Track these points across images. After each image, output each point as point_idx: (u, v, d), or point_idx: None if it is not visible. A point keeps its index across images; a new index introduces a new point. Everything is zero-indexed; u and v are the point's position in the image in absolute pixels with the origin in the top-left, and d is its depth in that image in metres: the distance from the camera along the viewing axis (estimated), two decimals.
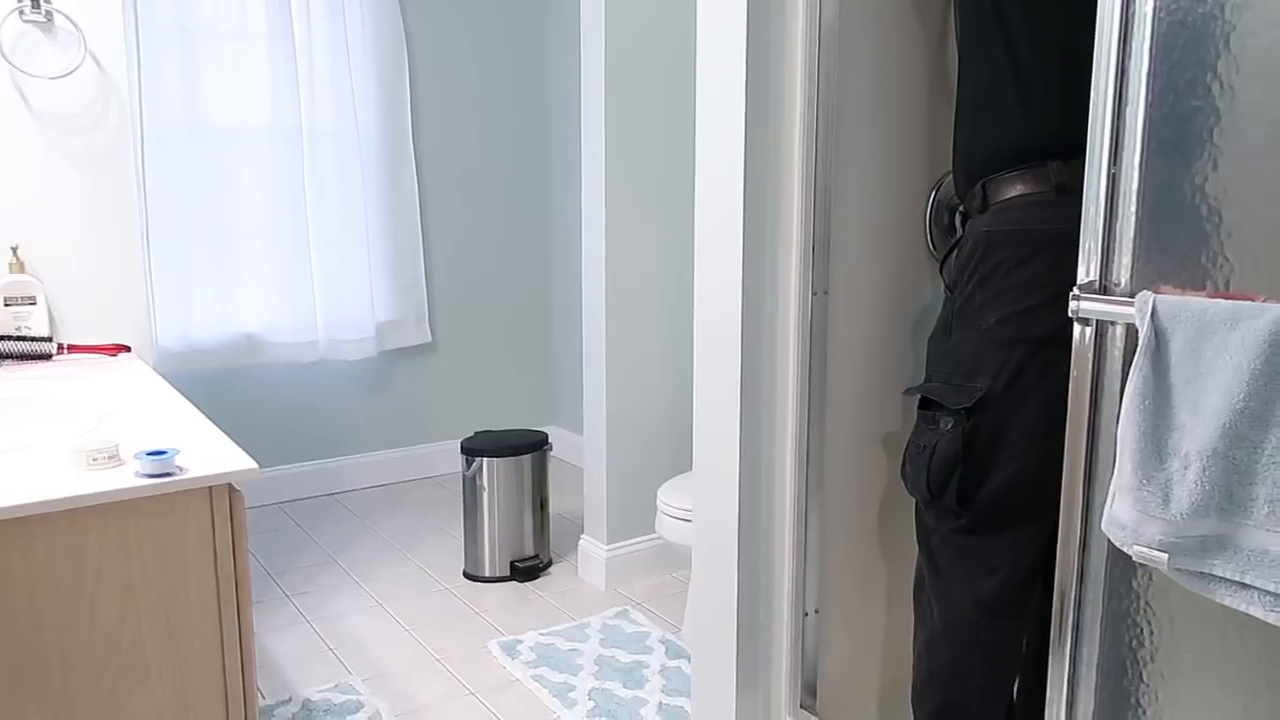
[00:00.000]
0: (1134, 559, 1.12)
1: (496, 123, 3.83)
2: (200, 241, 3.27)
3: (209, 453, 1.25)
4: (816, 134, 1.67)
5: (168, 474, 1.15)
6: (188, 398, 3.27)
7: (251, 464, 1.20)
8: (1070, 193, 1.41)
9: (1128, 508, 1.11)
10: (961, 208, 1.64)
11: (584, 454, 2.84)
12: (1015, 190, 1.46)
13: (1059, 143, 1.43)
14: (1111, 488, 1.14)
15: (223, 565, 1.20)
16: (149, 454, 1.15)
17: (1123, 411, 1.11)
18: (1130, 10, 1.15)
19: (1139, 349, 1.10)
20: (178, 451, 1.18)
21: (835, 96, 1.68)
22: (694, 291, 1.78)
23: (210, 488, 1.17)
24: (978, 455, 1.46)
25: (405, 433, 3.80)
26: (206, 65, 3.22)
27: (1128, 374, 1.12)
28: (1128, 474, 1.10)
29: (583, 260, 2.75)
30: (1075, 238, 1.30)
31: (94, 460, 1.16)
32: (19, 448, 1.29)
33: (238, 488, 1.20)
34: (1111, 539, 1.15)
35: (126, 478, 1.14)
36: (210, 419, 3.40)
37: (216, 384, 3.39)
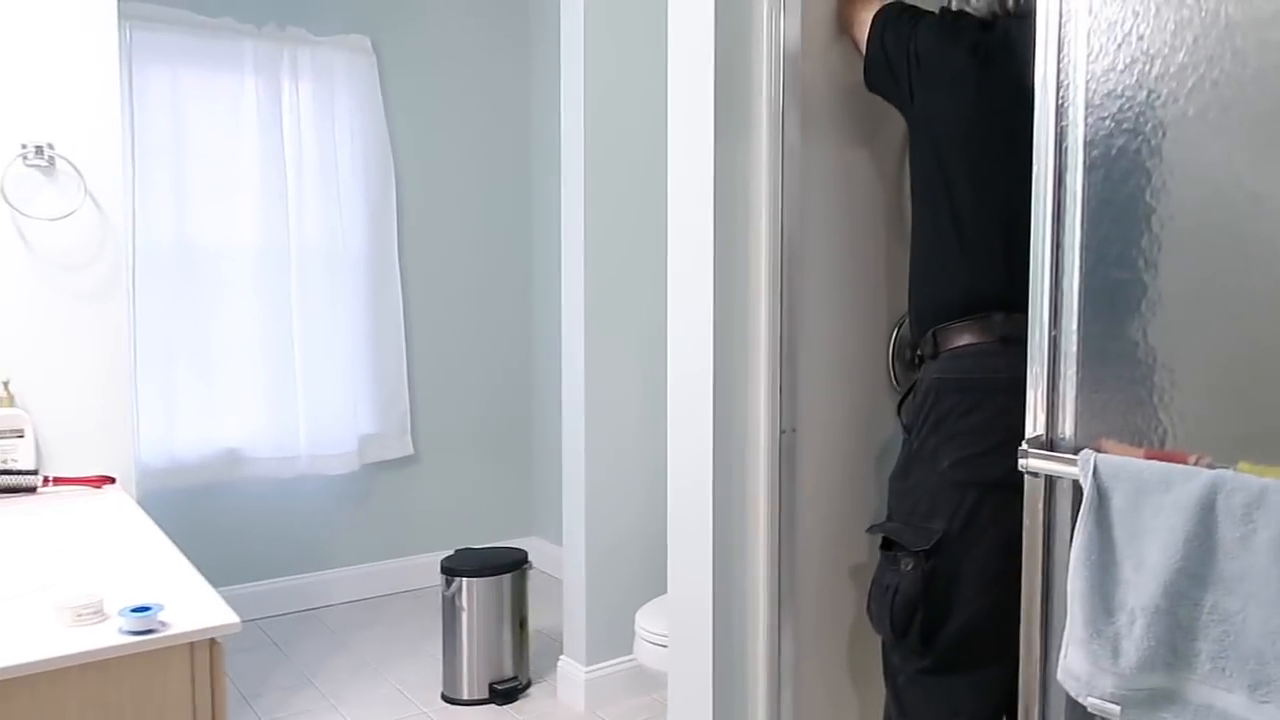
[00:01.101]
0: (1089, 709, 1.16)
1: (480, 240, 3.95)
2: (186, 357, 3.32)
3: (191, 604, 1.28)
4: (781, 276, 1.76)
5: (151, 631, 1.17)
6: (168, 514, 3.27)
7: (234, 618, 1.23)
8: (1015, 342, 1.50)
9: (1080, 659, 1.16)
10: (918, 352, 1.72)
11: (563, 573, 2.86)
12: (963, 339, 1.55)
13: (1003, 296, 1.52)
14: (1065, 638, 1.19)
15: (201, 719, 1.22)
16: (133, 610, 1.18)
17: (1071, 565, 1.17)
18: (1062, 190, 1.25)
19: (1083, 506, 1.16)
20: (161, 607, 1.21)
21: (799, 240, 1.78)
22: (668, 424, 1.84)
23: (192, 643, 1.20)
24: (938, 596, 1.50)
25: (385, 545, 3.80)
26: (198, 185, 3.32)
27: (1075, 527, 1.18)
28: (1079, 626, 1.15)
29: (562, 380, 2.82)
30: (1018, 387, 1.38)
31: (79, 617, 1.19)
32: (2, 597, 1.31)
33: (219, 641, 1.22)
34: (1067, 689, 1.19)
35: (110, 635, 1.17)
36: (190, 534, 3.40)
37: (197, 499, 3.39)
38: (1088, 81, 1.22)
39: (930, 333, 1.59)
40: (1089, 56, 1.21)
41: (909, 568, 1.51)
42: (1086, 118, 1.23)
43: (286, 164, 3.46)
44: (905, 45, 1.62)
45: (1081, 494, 1.17)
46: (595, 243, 2.72)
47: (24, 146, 1.97)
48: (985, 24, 1.63)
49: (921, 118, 1.62)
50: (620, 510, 2.80)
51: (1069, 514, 1.25)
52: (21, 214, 1.98)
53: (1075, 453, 1.20)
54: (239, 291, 3.41)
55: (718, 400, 1.74)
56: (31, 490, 1.91)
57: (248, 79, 3.39)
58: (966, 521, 1.50)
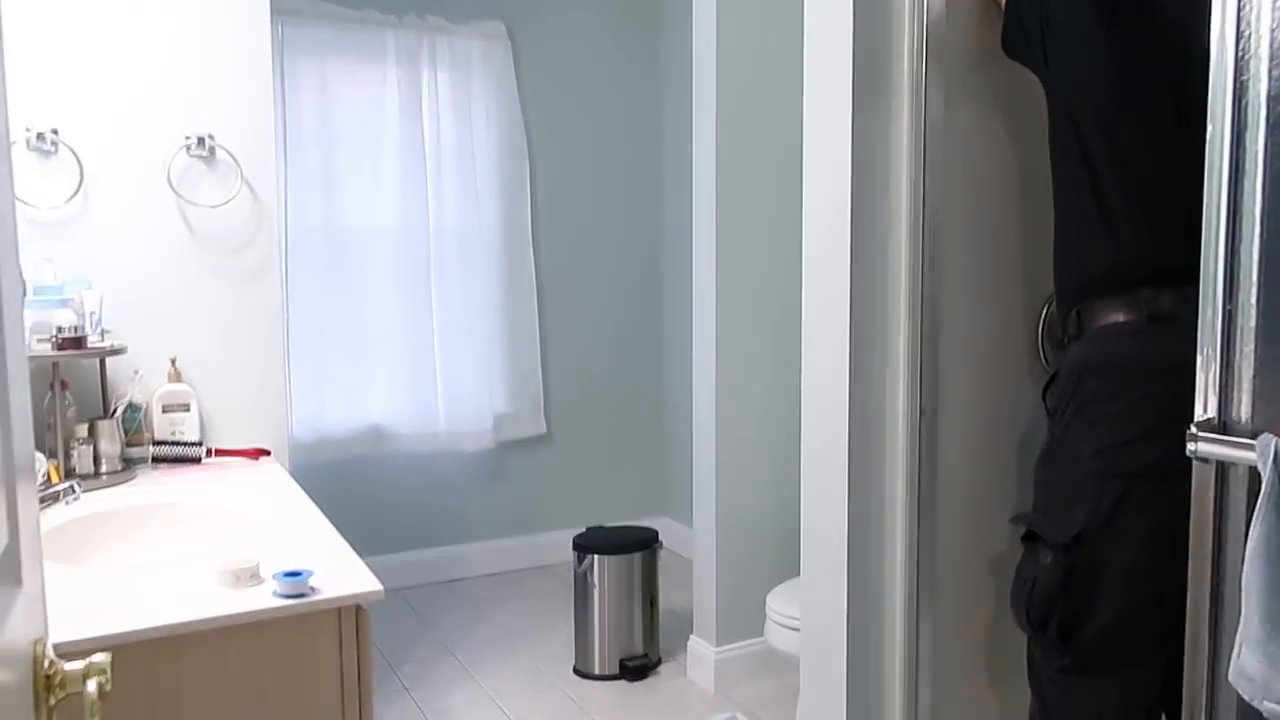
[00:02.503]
0: (1265, 715, 1.07)
1: (612, 222, 3.97)
2: (334, 337, 3.48)
3: (339, 571, 1.33)
4: (922, 250, 1.69)
5: (302, 595, 1.23)
6: (316, 487, 3.44)
7: (377, 586, 1.28)
8: (1164, 320, 1.39)
9: (1256, 660, 1.07)
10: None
11: (694, 553, 2.86)
12: (1106, 318, 1.45)
13: (1148, 269, 1.41)
14: (1238, 637, 1.10)
15: (348, 680, 1.27)
16: (286, 575, 1.24)
17: (1247, 559, 1.07)
18: (1241, 148, 1.14)
19: (1262, 494, 1.07)
20: (312, 573, 1.26)
21: (940, 213, 1.70)
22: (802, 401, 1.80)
23: (339, 609, 1.25)
24: (1078, 592, 1.41)
25: (520, 522, 3.89)
26: (344, 172, 3.47)
27: (1252, 517, 1.09)
28: (1255, 625, 1.06)
29: (693, 360, 2.81)
30: (1166, 368, 1.28)
31: (237, 579, 1.26)
32: (171, 560, 1.40)
33: (365, 608, 1.27)
34: (1239, 691, 1.10)
35: (266, 598, 1.23)
36: (336, 506, 3.56)
37: (343, 473, 3.55)
38: (1273, 30, 1.11)
39: (1074, 311, 1.50)
40: (1276, 2, 1.10)
41: (1048, 560, 1.43)
42: (1271, 71, 1.12)
43: (426, 150, 3.57)
44: (1038, 6, 1.52)
45: (1259, 482, 1.07)
46: (727, 222, 2.70)
47: (187, 138, 2.10)
48: None
49: (1056, 83, 1.53)
50: (750, 490, 2.77)
51: (1244, 504, 1.15)
52: (187, 201, 2.10)
53: (1253, 437, 1.10)
54: (382, 274, 3.54)
55: (854, 379, 1.68)
56: (196, 461, 2.04)
57: (389, 69, 3.51)
58: (1110, 514, 1.40)
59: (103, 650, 1.10)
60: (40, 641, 0.71)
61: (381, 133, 3.52)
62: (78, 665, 0.71)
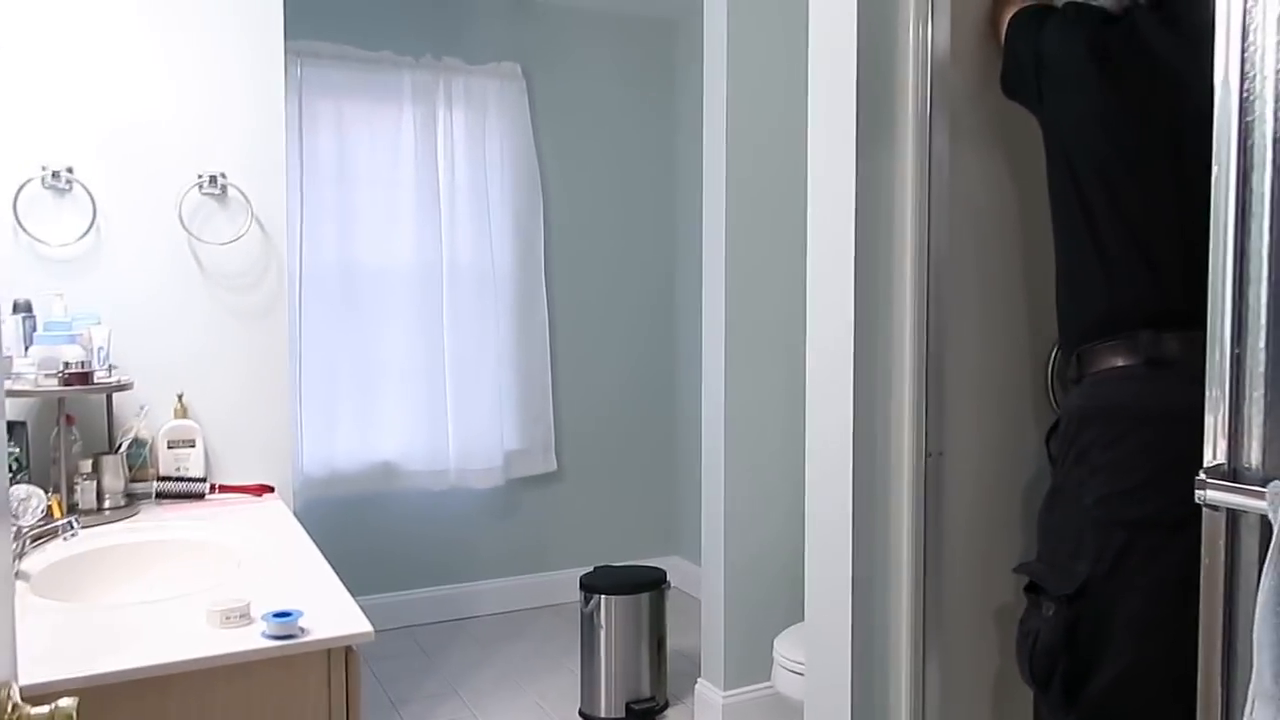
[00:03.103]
0: None
1: (625, 262, 3.98)
2: (347, 373, 3.49)
3: (331, 611, 1.32)
4: (927, 290, 1.68)
5: (292, 636, 1.21)
6: (326, 523, 3.44)
7: (368, 627, 1.26)
8: (1162, 365, 1.36)
9: (1269, 717, 1.02)
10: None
11: (702, 595, 2.82)
12: (1106, 362, 1.42)
13: (1148, 312, 1.39)
14: (1251, 692, 1.06)
15: None
16: (275, 615, 1.22)
17: (1258, 612, 1.04)
18: (1247, 189, 1.12)
19: (1273, 544, 1.03)
20: (302, 613, 1.25)
21: (945, 253, 1.69)
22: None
23: (329, 650, 1.23)
24: (1083, 646, 1.37)
25: (529, 560, 3.86)
26: (360, 210, 3.50)
27: (1263, 569, 1.05)
28: (1267, 680, 1.02)
29: (702, 400, 2.79)
30: (1167, 414, 1.25)
31: (227, 619, 1.24)
32: (166, 598, 1.39)
33: (355, 649, 1.25)
34: None
35: (254, 638, 1.21)
36: (345, 542, 3.55)
37: (353, 509, 3.55)
38: (1278, 71, 1.10)
39: (1075, 354, 1.47)
40: None
41: (1051, 613, 1.39)
42: (1277, 112, 1.10)
43: (440, 189, 3.60)
44: (1032, 47, 1.52)
45: (1270, 531, 1.04)
46: (736, 262, 2.69)
47: (200, 176, 2.12)
48: (1110, 17, 1.50)
49: (1051, 123, 1.52)
50: (760, 532, 2.74)
51: (1255, 553, 1.11)
52: (197, 239, 2.12)
53: (1263, 484, 1.07)
54: (395, 311, 3.56)
55: (858, 419, 1.66)
56: (200, 496, 2.04)
57: (406, 108, 3.55)
58: (1114, 564, 1.36)
59: (87, 689, 1.08)
60: (5, 685, 0.70)
61: (397, 171, 3.56)
62: (43, 710, 0.70)
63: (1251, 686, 1.05)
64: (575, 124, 3.88)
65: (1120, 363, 1.40)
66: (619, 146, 3.95)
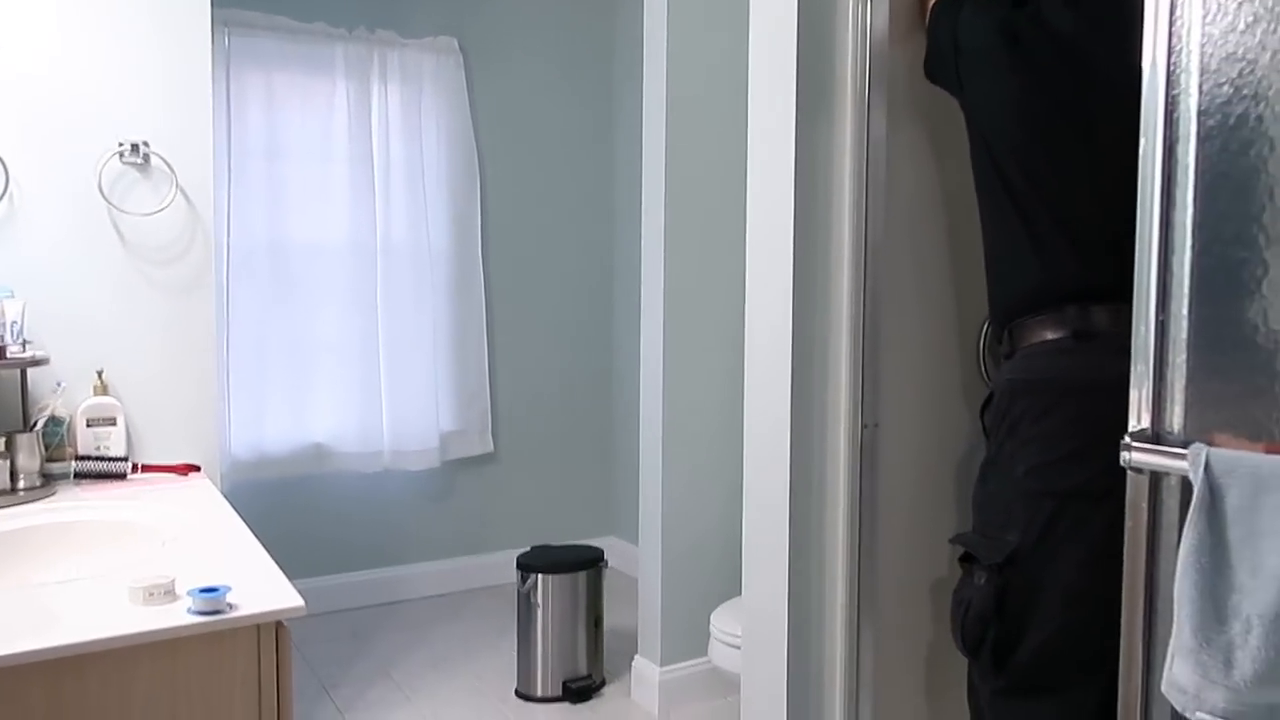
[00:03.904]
0: None
1: (563, 241, 3.95)
2: (277, 353, 3.40)
3: (261, 587, 1.28)
4: (865, 266, 1.69)
5: (219, 612, 1.18)
6: (256, 506, 3.35)
7: (299, 602, 1.23)
8: (1089, 338, 1.40)
9: (1188, 671, 1.06)
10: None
11: (639, 573, 2.82)
12: (1036, 336, 1.45)
13: (1073, 287, 1.42)
14: (1171, 647, 1.09)
15: (266, 701, 1.22)
16: (201, 591, 1.18)
17: (1179, 568, 1.07)
18: (1173, 162, 1.15)
19: (1193, 504, 1.07)
20: (229, 589, 1.21)
21: (882, 229, 1.71)
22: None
23: (258, 626, 1.20)
24: (1012, 613, 1.41)
25: (465, 542, 3.82)
26: (291, 185, 3.41)
27: (1184, 527, 1.09)
28: (1186, 635, 1.06)
29: (640, 379, 2.78)
30: (1094, 386, 1.28)
31: (150, 595, 1.20)
32: (84, 577, 1.34)
33: (286, 625, 1.22)
34: (1172, 702, 1.09)
35: (179, 615, 1.17)
36: (276, 526, 3.47)
37: (284, 492, 3.47)
38: (1203, 45, 1.13)
39: (1006, 329, 1.50)
40: (1205, 18, 1.12)
41: (982, 581, 1.42)
42: (1201, 84, 1.13)
43: (375, 164, 3.53)
44: (950, 32, 1.55)
45: (1191, 492, 1.08)
46: (675, 242, 2.69)
47: (120, 144, 2.04)
48: (1020, 1, 1.53)
49: (970, 108, 1.55)
50: (697, 510, 2.75)
51: (1176, 514, 1.15)
52: (117, 209, 2.04)
53: (1184, 447, 1.11)
54: (328, 289, 3.48)
55: (796, 391, 1.67)
56: (122, 476, 1.96)
57: (339, 81, 3.46)
58: (1043, 533, 1.40)
59: (1, 671, 1.04)
60: None
61: (330, 147, 3.47)
62: None
63: (1172, 642, 1.09)
64: (514, 101, 3.83)
65: (1049, 336, 1.44)
66: (558, 125, 3.91)
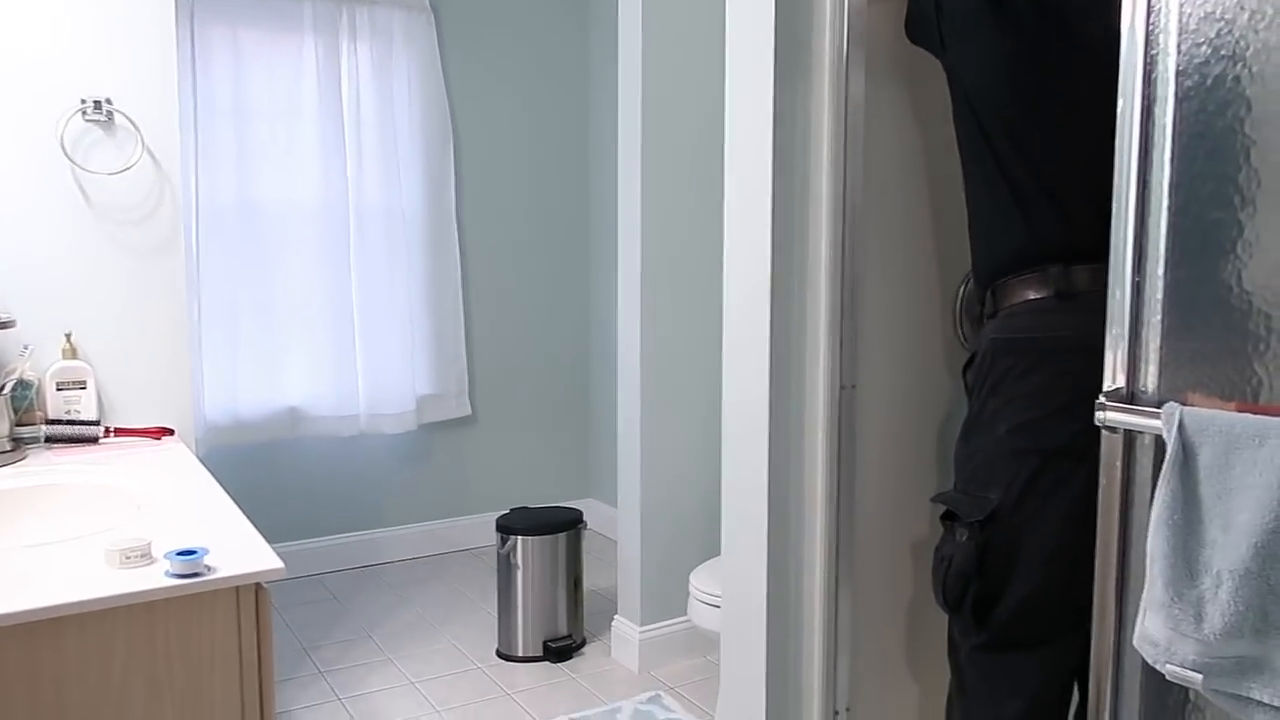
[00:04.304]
0: (1168, 678, 1.09)
1: (538, 199, 3.92)
2: (249, 315, 3.36)
3: (239, 550, 1.27)
4: (843, 227, 1.69)
5: (196, 574, 1.17)
6: (232, 470, 3.34)
7: (278, 564, 1.22)
8: (1071, 297, 1.41)
9: (1160, 625, 1.08)
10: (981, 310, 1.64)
11: (618, 534, 2.84)
12: (1019, 296, 1.46)
13: (1057, 248, 1.43)
14: (1143, 602, 1.12)
15: (247, 663, 1.21)
16: (179, 554, 1.17)
17: (1151, 525, 1.09)
18: (1150, 123, 1.15)
19: (1166, 462, 1.08)
20: (207, 551, 1.20)
21: (860, 190, 1.70)
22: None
23: (237, 588, 1.19)
24: (993, 570, 1.43)
25: (443, 505, 3.82)
26: (260, 145, 3.34)
27: (1157, 484, 1.10)
28: (1158, 590, 1.08)
29: (618, 341, 2.78)
30: (1078, 345, 1.29)
31: (126, 559, 1.19)
32: (57, 540, 1.32)
33: (265, 586, 1.22)
34: (1144, 656, 1.12)
35: (156, 578, 1.17)
36: (253, 491, 3.45)
37: (260, 456, 3.45)
38: (1181, 5, 1.12)
39: (989, 290, 1.51)
40: None
41: (964, 539, 1.44)
42: (1180, 44, 1.13)
43: (345, 124, 3.47)
44: None
45: (1164, 450, 1.09)
46: (652, 201, 2.67)
47: (83, 101, 1.98)
48: None
49: (953, 69, 1.54)
50: (675, 470, 2.76)
51: (1150, 473, 1.17)
52: (81, 168, 1.99)
53: (1158, 406, 1.12)
54: (300, 251, 3.43)
55: (774, 352, 1.67)
56: (94, 440, 1.94)
57: (307, 38, 3.39)
58: (1024, 491, 1.41)
59: None
60: None
61: (298, 105, 3.41)
62: None
63: (1144, 596, 1.11)
64: (486, 59, 3.77)
65: (1032, 296, 1.44)
66: (532, 83, 3.86)
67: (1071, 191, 1.43)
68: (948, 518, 1.50)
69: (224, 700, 1.21)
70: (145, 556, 1.21)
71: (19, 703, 1.10)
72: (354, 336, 3.52)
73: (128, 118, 2.03)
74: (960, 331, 1.82)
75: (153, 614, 1.15)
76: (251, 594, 1.21)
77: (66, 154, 1.97)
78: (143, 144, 2.04)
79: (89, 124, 2.00)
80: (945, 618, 1.60)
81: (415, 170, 3.63)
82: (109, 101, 2.01)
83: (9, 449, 1.83)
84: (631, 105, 2.65)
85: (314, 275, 3.46)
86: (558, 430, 4.04)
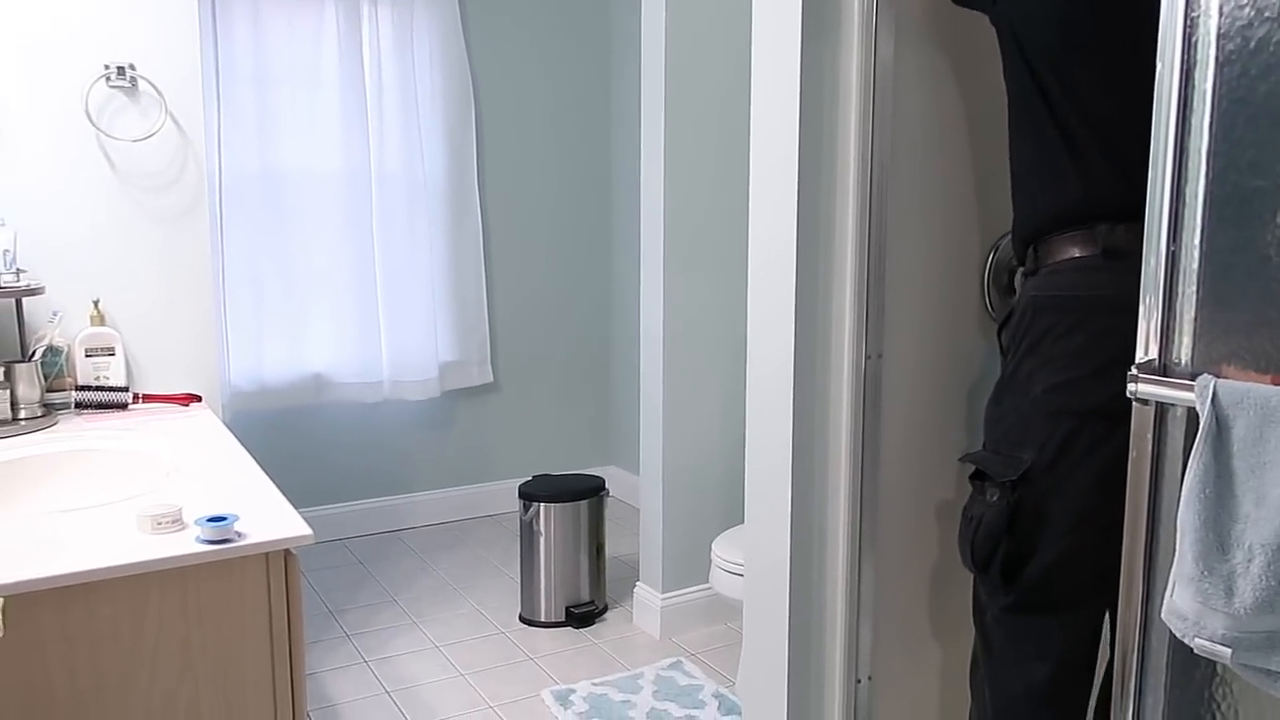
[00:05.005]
0: (1195, 651, 1.08)
1: (560, 166, 3.90)
2: (273, 283, 3.38)
3: (267, 516, 1.29)
4: (870, 193, 1.67)
5: (227, 540, 1.18)
6: (257, 436, 3.37)
7: (307, 530, 1.23)
8: (1119, 256, 1.38)
9: (1189, 598, 1.07)
10: (1020, 269, 1.61)
11: (640, 500, 2.85)
12: (1063, 253, 1.43)
13: (1107, 205, 1.40)
14: (1172, 576, 1.11)
15: (277, 629, 1.23)
16: (209, 520, 1.19)
17: (1183, 498, 1.08)
18: (1189, 88, 1.12)
19: (1199, 435, 1.06)
20: (237, 518, 1.22)
21: (889, 155, 1.68)
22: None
23: (267, 554, 1.21)
24: (1023, 530, 1.41)
25: (466, 471, 3.85)
26: (282, 112, 3.34)
27: (1189, 458, 1.09)
28: (1189, 563, 1.07)
29: (640, 308, 2.77)
30: (1122, 305, 1.26)
31: (158, 524, 1.21)
32: (90, 506, 1.34)
33: (294, 553, 1.23)
34: (1172, 629, 1.11)
35: (188, 543, 1.18)
36: (278, 456, 3.48)
37: (285, 422, 3.48)
38: None
39: (1031, 247, 1.48)
40: None
41: (994, 498, 1.43)
42: (1221, 6, 1.09)
43: (367, 91, 3.45)
44: None
45: (1197, 423, 1.07)
46: (675, 167, 2.65)
47: (106, 67, 1.99)
48: None
49: (1006, 24, 1.50)
50: (698, 437, 2.77)
51: (1181, 445, 1.15)
52: (106, 134, 2.00)
53: (1192, 378, 1.10)
54: (322, 219, 3.44)
55: (799, 322, 1.66)
56: (123, 406, 1.96)
57: (328, 5, 3.37)
58: (1059, 452, 1.40)
59: (13, 598, 1.05)
60: None
61: (320, 72, 3.39)
62: None
63: (1173, 570, 1.10)
64: (508, 24, 3.74)
65: (1076, 253, 1.42)
66: (554, 48, 3.82)
67: (1126, 147, 1.39)
68: (977, 477, 1.49)
69: (254, 664, 1.23)
70: (176, 522, 1.22)
71: (55, 664, 1.12)
72: (377, 304, 3.54)
73: (151, 84, 2.03)
74: (987, 300, 1.80)
75: (185, 579, 1.17)
76: (281, 560, 1.22)
77: (91, 120, 1.97)
78: (166, 110, 2.04)
79: (113, 90, 2.00)
80: (968, 584, 1.59)
81: (437, 137, 3.61)
82: (132, 67, 2.01)
83: (40, 414, 1.85)
84: (655, 71, 2.62)
85: (337, 243, 3.46)
86: (580, 397, 4.05)
